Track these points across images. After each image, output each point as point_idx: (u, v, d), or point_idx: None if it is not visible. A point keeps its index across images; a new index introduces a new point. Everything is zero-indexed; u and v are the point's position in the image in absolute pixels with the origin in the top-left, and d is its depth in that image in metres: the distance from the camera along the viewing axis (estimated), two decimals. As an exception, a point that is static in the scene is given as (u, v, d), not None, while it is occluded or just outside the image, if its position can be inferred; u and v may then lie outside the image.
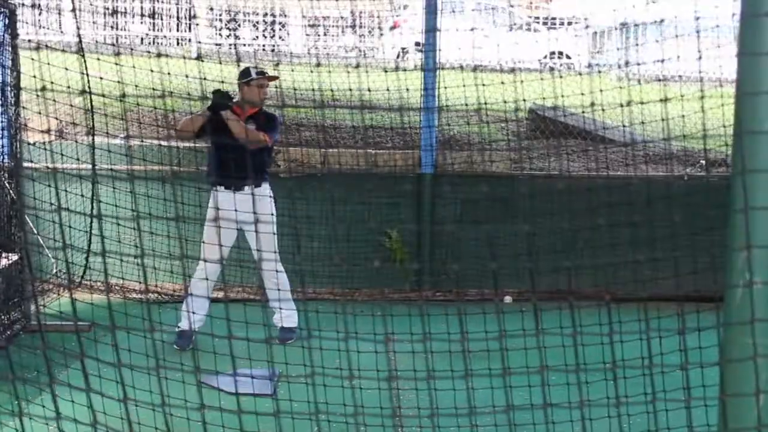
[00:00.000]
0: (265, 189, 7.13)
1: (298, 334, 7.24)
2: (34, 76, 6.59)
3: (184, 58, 7.49)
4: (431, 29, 8.83)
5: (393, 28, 17.28)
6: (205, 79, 7.76)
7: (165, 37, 15.37)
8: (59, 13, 9.86)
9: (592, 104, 7.46)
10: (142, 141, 8.44)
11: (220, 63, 7.20)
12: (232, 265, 7.58)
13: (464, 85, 8.57)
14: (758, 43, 2.32)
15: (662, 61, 6.59)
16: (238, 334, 3.21)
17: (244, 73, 7.23)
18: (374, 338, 3.28)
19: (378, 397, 3.80)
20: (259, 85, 7.18)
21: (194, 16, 15.25)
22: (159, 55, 6.62)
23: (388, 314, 3.74)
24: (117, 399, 2.89)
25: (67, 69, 6.60)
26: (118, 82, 5.70)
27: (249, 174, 6.84)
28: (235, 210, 6.44)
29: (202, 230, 7.04)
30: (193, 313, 6.81)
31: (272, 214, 7.14)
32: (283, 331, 7.24)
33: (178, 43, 15.73)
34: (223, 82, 7.57)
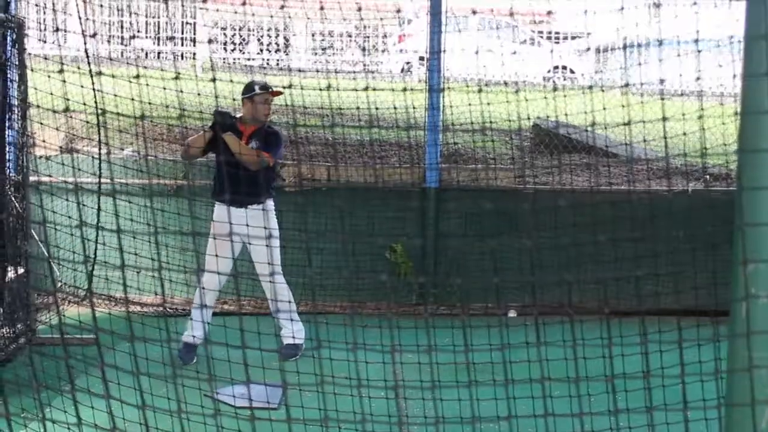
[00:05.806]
0: (270, 204, 7.09)
1: (302, 348, 7.22)
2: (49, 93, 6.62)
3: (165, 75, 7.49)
4: (435, 48, 8.86)
5: (398, 42, 17.35)
6: (199, 94, 7.77)
7: (171, 51, 15.43)
8: (65, 30, 9.93)
9: (593, 124, 7.50)
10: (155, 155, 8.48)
11: (231, 81, 7.16)
12: (246, 278, 7.57)
13: (469, 104, 8.59)
14: (761, 65, 2.37)
15: (662, 81, 6.64)
16: (241, 347, 3.22)
17: (248, 88, 7.11)
18: (382, 353, 3.30)
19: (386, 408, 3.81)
20: (263, 100, 7.05)
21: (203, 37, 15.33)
22: (162, 70, 6.67)
23: (394, 327, 3.76)
24: (111, 426, 2.92)
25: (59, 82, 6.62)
26: (132, 99, 5.76)
27: (252, 192, 6.70)
28: (231, 224, 6.47)
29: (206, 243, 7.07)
30: (202, 322, 6.82)
31: (276, 229, 7.14)
32: (287, 348, 7.20)
33: (182, 57, 15.81)
34: (217, 97, 7.57)
